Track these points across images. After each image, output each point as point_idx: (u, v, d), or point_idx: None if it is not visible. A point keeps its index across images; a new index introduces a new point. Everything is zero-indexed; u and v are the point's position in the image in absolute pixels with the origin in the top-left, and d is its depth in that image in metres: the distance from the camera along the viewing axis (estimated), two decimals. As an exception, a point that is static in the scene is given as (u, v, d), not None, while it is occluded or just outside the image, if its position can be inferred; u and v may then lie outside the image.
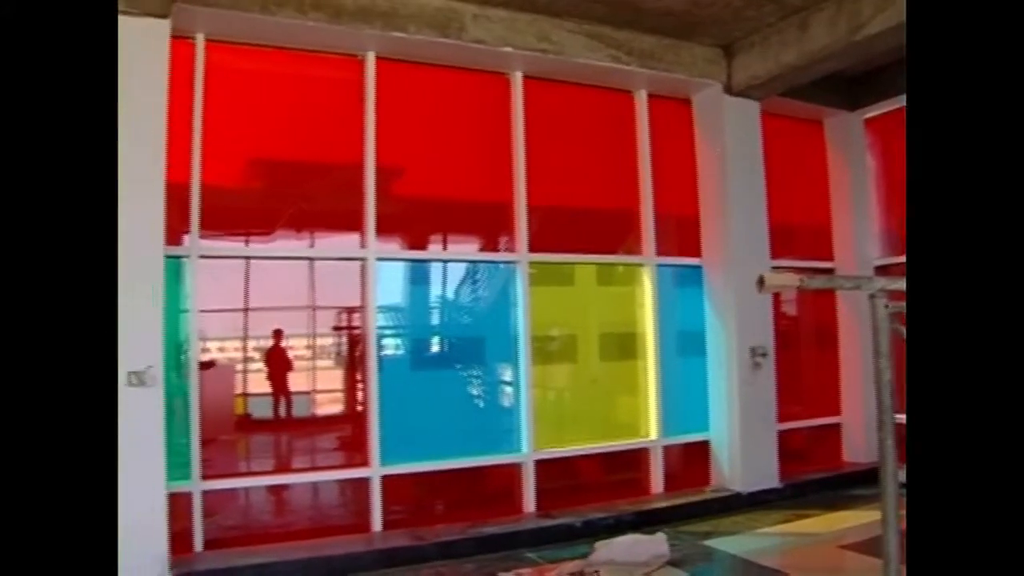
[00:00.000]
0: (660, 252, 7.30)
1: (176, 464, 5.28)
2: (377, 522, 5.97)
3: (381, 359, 6.13)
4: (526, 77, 6.75)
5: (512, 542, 5.91)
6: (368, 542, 5.83)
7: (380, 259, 6.18)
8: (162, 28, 5.24)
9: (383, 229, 6.16)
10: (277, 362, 6.20)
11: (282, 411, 6.21)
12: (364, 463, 6.02)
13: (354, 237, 6.19)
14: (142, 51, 5.16)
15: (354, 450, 6.18)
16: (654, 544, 5.51)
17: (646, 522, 6.24)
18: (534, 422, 6.57)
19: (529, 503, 6.49)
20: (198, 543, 5.50)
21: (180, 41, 5.49)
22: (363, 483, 6.01)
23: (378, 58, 6.20)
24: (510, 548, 5.82)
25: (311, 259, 6.24)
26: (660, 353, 7.21)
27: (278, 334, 6.16)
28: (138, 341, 4.94)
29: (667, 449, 7.19)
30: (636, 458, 7.18)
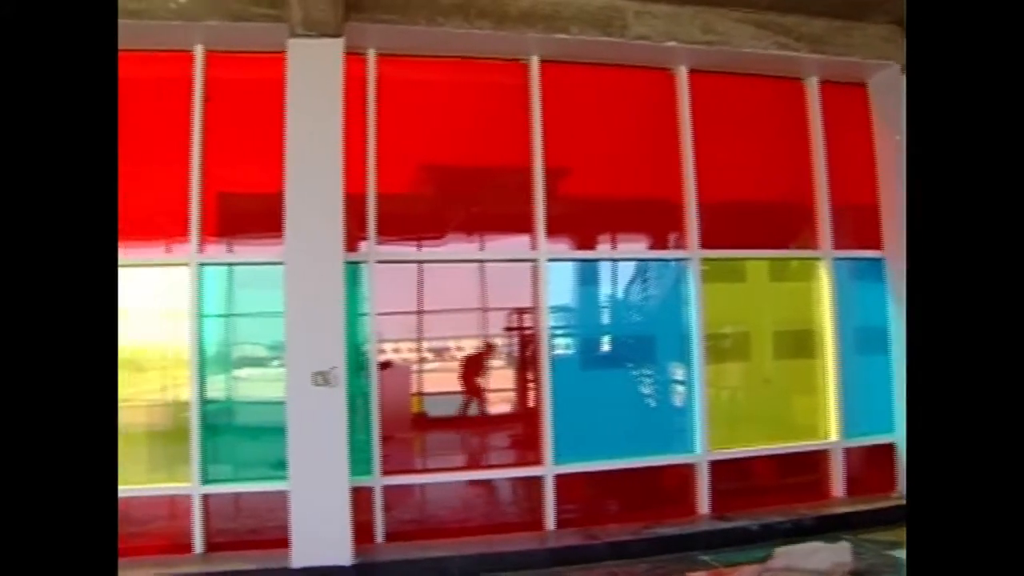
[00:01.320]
0: (837, 245, 6.93)
1: (358, 460, 5.53)
2: (550, 520, 6.02)
3: (553, 359, 6.18)
4: (691, 71, 6.60)
5: (686, 544, 5.81)
6: (541, 540, 5.89)
7: (551, 260, 6.23)
8: (336, 47, 5.54)
9: (552, 230, 6.21)
10: (471, 365, 6.41)
11: (459, 409, 6.40)
12: (537, 462, 6.09)
13: (524, 239, 6.27)
14: (318, 70, 5.51)
15: (527, 449, 6.25)
16: (836, 553, 5.23)
17: (826, 528, 5.95)
18: (708, 422, 6.42)
19: (703, 504, 6.34)
20: (379, 535, 5.75)
21: (353, 57, 5.75)
22: (536, 481, 6.08)
23: (542, 61, 6.26)
24: (684, 550, 5.72)
25: (482, 261, 6.39)
26: (840, 351, 6.86)
27: (462, 336, 6.36)
28: (322, 343, 5.27)
29: (848, 451, 6.82)
30: (815, 460, 6.86)
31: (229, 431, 5.88)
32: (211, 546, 5.63)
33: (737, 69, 6.75)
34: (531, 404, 6.33)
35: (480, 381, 6.38)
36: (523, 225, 6.23)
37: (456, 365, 6.40)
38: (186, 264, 5.75)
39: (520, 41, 6.06)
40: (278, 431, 5.43)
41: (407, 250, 6.23)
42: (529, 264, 6.22)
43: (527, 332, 6.34)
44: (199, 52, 5.84)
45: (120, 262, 6.02)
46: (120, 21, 5.40)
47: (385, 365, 5.99)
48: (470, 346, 6.39)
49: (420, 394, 6.32)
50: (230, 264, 5.98)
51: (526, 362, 6.37)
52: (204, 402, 5.72)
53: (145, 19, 5.52)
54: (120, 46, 5.86)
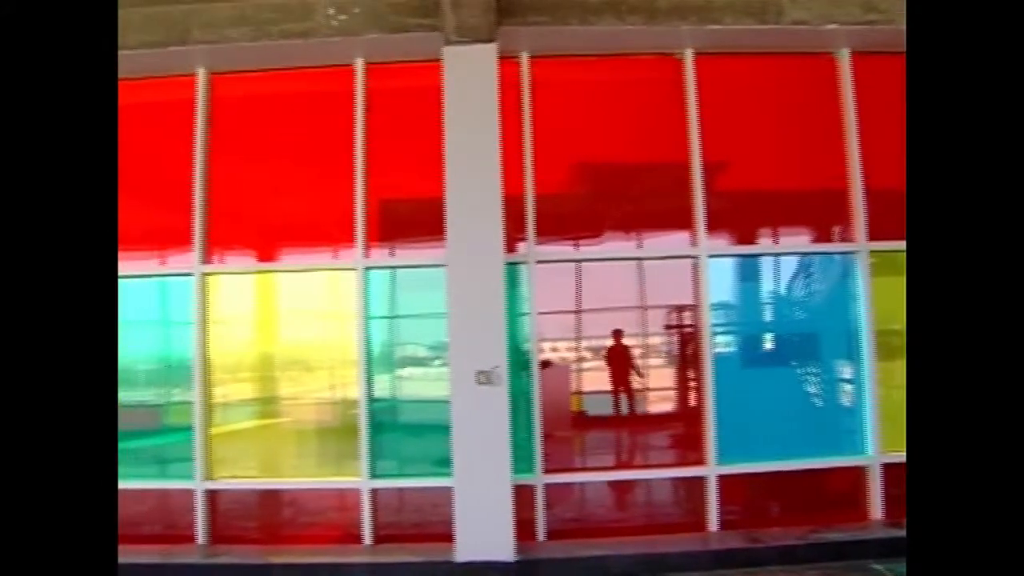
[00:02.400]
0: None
1: (519, 458, 5.61)
2: (713, 522, 5.89)
3: (714, 357, 6.04)
4: (853, 53, 6.29)
5: (857, 551, 5.52)
6: (703, 542, 5.77)
7: (711, 256, 6.09)
8: (490, 52, 5.64)
9: (712, 225, 6.07)
10: (616, 361, 6.36)
11: (618, 408, 6.36)
12: (699, 462, 5.96)
13: (683, 235, 6.15)
14: (473, 75, 5.62)
15: (688, 448, 6.14)
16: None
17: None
18: (879, 422, 6.09)
19: (876, 510, 6.02)
20: (541, 532, 5.80)
21: (506, 61, 5.84)
22: (698, 482, 5.96)
23: (696, 53, 6.13)
24: (855, 558, 5.45)
25: (641, 259, 6.32)
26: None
27: (618, 334, 6.33)
28: (484, 343, 5.38)
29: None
30: (1002, 464, 6.38)
31: (393, 428, 6.09)
32: (378, 538, 5.86)
33: (902, 48, 6.36)
34: (692, 403, 6.21)
35: (631, 377, 6.32)
36: (682, 221, 6.11)
37: (604, 362, 6.36)
38: (353, 269, 6.00)
39: (673, 35, 5.97)
40: (439, 429, 5.59)
41: (565, 249, 6.25)
42: (689, 260, 6.10)
43: (687, 330, 6.23)
44: (360, 65, 6.09)
45: (290, 267, 6.40)
46: (288, 41, 5.78)
47: (545, 364, 6.04)
48: (618, 343, 6.34)
49: (579, 393, 6.34)
50: (393, 267, 6.20)
51: (687, 360, 6.26)
52: (371, 400, 5.95)
53: (310, 38, 5.81)
54: (289, 64, 6.24)
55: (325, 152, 6.28)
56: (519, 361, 5.82)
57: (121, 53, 5.90)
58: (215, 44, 5.90)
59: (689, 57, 6.14)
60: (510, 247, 5.81)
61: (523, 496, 5.67)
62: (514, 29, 5.74)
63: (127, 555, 5.73)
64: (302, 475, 6.18)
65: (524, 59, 6.08)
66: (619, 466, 6.44)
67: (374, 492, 5.88)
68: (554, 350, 6.27)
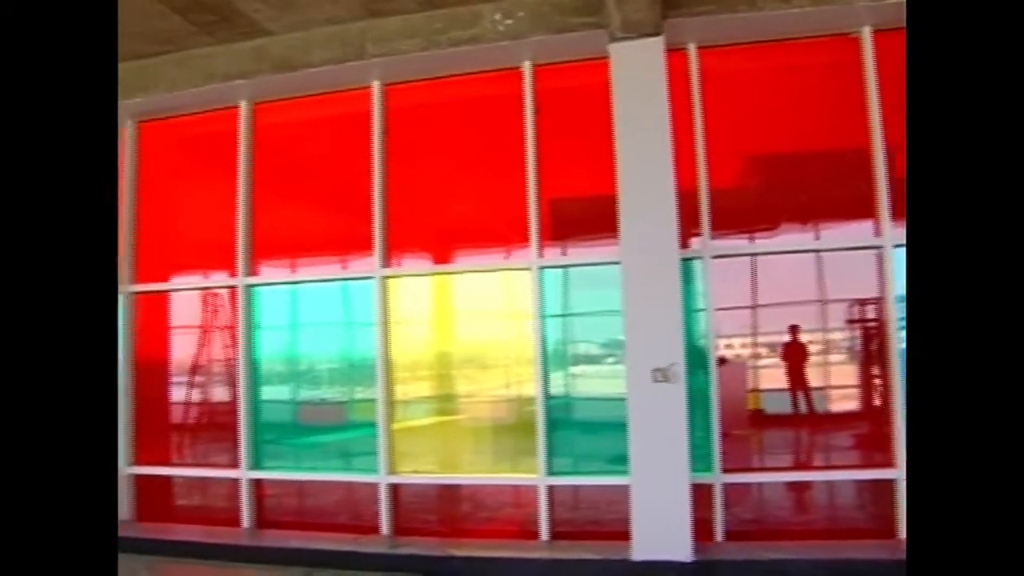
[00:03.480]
0: None
1: (697, 457, 5.51)
2: (903, 529, 5.57)
3: (902, 353, 5.70)
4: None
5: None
6: (893, 550, 5.46)
7: (897, 246, 5.74)
8: (656, 45, 5.58)
9: (898, 213, 5.74)
10: (793, 357, 6.15)
11: (797, 407, 6.14)
12: (887, 464, 5.64)
13: (865, 224, 5.84)
14: (641, 70, 5.58)
15: (874, 449, 5.83)
16: None
17: None
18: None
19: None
20: (719, 533, 5.68)
21: (673, 53, 5.76)
22: (886, 485, 5.65)
23: (874, 31, 5.81)
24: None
25: (821, 251, 6.04)
26: None
27: (795, 329, 6.11)
28: (661, 340, 5.33)
29: None
30: None
31: (568, 426, 6.14)
32: (555, 534, 5.92)
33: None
34: (877, 402, 5.90)
35: (806, 373, 6.07)
36: (863, 210, 5.79)
37: (780, 359, 6.16)
38: (528, 268, 6.10)
39: (847, 13, 5.67)
40: (614, 426, 5.59)
41: (741, 243, 6.10)
42: (873, 251, 5.80)
43: (871, 325, 5.93)
44: (527, 67, 6.18)
45: (465, 268, 6.58)
46: (456, 49, 5.95)
47: (721, 361, 5.92)
48: (795, 339, 6.11)
49: (756, 390, 6.17)
50: (567, 266, 6.23)
51: (871, 357, 5.95)
52: (547, 398, 6.02)
53: (477, 44, 5.95)
54: (458, 71, 6.43)
55: (496, 155, 6.44)
56: (696, 358, 5.71)
57: (306, 71, 6.33)
58: (388, 57, 6.16)
59: (867, 35, 5.83)
60: (684, 242, 5.74)
61: (701, 495, 5.57)
62: (680, 21, 5.65)
63: (319, 541, 6.15)
64: (480, 471, 6.35)
65: (692, 50, 5.96)
66: (800, 467, 6.21)
67: (551, 489, 5.95)
68: (728, 347, 6.13)
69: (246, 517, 6.63)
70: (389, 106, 6.55)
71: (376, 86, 6.52)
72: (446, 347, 6.68)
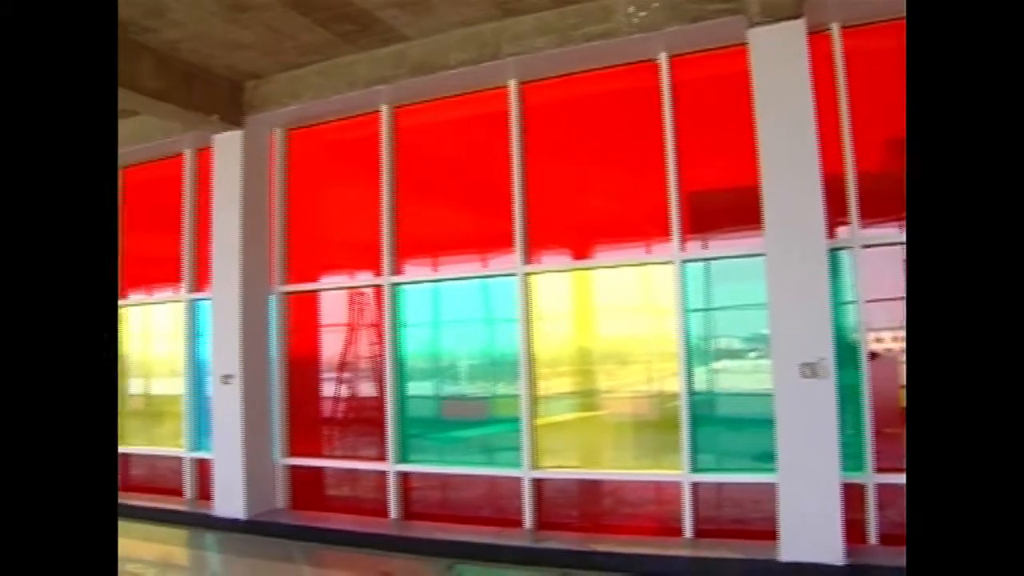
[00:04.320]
0: None
1: (847, 455, 5.28)
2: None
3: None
4: None
5: None
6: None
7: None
8: (797, 28, 5.37)
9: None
10: None
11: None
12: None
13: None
14: (782, 55, 5.39)
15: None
16: None
17: None
18: None
19: None
20: (872, 535, 5.44)
21: (814, 36, 5.53)
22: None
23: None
24: None
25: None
26: None
27: None
28: (808, 334, 5.15)
29: None
30: None
31: (712, 422, 6.02)
32: (698, 532, 5.83)
33: None
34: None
35: None
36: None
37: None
38: (670, 262, 6.02)
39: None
40: (757, 422, 5.44)
41: (892, 232, 5.79)
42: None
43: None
44: (663, 59, 6.10)
45: (607, 264, 6.55)
46: (590, 44, 5.93)
47: (872, 356, 5.65)
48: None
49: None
50: (710, 260, 6.10)
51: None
52: (691, 393, 5.93)
53: (612, 38, 5.92)
54: (592, 66, 6.42)
55: (634, 148, 6.39)
56: (845, 353, 5.47)
57: (443, 73, 6.49)
58: (523, 55, 6.22)
59: None
60: (832, 232, 5.48)
61: (852, 496, 5.33)
62: (821, 1, 5.43)
63: (463, 534, 6.29)
64: (621, 467, 6.32)
65: (835, 30, 5.71)
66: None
67: (695, 486, 5.86)
68: (879, 340, 5.84)
69: (393, 508, 6.87)
70: (526, 104, 6.62)
71: (512, 84, 6.60)
72: (587, 343, 6.68)
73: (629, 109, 6.40)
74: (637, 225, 6.42)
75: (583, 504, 6.58)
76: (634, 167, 6.40)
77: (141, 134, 8.05)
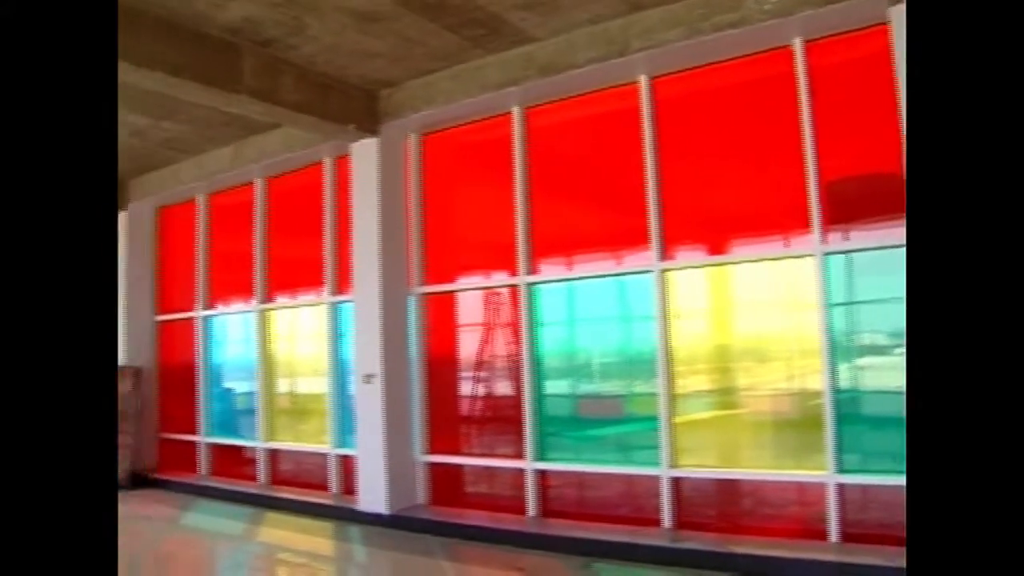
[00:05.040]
0: None
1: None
2: None
3: None
4: None
5: None
6: None
7: None
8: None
9: None
10: None
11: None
12: None
13: None
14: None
15: None
16: None
17: None
18: None
19: None
20: None
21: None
22: None
23: None
24: None
25: None
26: None
27: None
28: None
29: None
30: None
31: (857, 420, 5.75)
32: (844, 536, 5.58)
33: None
34: None
35: None
36: None
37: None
38: (811, 255, 5.79)
39: None
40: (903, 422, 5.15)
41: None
42: None
43: None
44: (798, 44, 5.89)
45: (744, 258, 6.39)
46: (720, 34, 5.78)
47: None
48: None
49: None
50: (853, 251, 5.80)
51: None
52: (835, 391, 5.69)
53: (742, 27, 5.75)
54: (723, 57, 6.28)
55: (769, 138, 6.19)
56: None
57: (571, 72, 6.50)
58: (652, 50, 6.14)
59: None
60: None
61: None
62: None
63: (600, 532, 6.28)
64: (760, 466, 6.14)
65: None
66: None
67: (840, 487, 5.61)
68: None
69: (531, 506, 6.94)
70: (657, 98, 6.53)
71: (643, 80, 6.53)
72: (724, 339, 6.53)
73: (763, 98, 6.20)
74: (775, 218, 6.21)
75: (722, 504, 6.44)
76: (771, 158, 6.20)
77: (284, 145, 8.48)
